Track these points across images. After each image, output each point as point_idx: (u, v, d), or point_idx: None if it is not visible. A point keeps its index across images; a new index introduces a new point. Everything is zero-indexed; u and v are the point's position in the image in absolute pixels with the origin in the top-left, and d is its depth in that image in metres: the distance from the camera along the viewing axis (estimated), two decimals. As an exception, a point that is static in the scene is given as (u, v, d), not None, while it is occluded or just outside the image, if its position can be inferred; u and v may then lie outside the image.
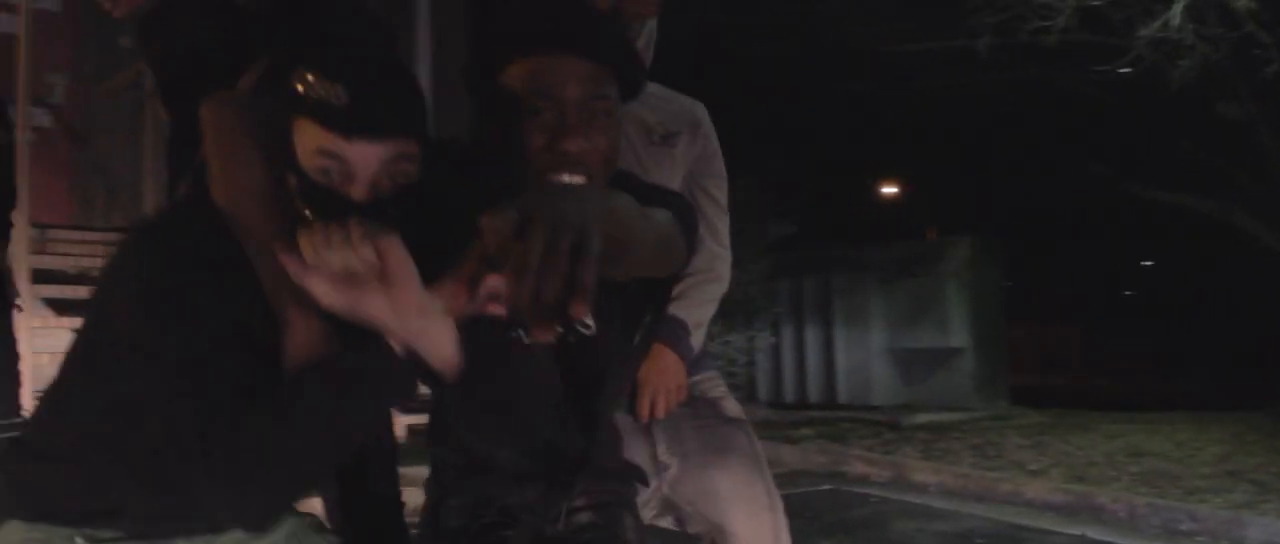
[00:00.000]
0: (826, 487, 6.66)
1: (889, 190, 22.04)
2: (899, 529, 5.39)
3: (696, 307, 2.25)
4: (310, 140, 1.28)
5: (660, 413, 2.15)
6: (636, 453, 2.09)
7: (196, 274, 1.28)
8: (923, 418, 8.88)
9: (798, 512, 5.67)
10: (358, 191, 1.29)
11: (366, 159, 1.28)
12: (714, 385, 2.36)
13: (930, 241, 11.18)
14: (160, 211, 1.50)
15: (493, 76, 1.40)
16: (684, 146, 2.26)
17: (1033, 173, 14.11)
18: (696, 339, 2.26)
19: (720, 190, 2.34)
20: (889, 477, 6.86)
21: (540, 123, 1.34)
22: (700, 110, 2.33)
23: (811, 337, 10.88)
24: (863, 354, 10.52)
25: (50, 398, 1.46)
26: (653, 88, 2.23)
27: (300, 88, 1.29)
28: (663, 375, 2.15)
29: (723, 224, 2.34)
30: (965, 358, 10.17)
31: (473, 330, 1.27)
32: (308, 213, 1.28)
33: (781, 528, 2.19)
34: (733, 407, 2.33)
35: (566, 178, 1.33)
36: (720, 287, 2.31)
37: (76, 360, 1.41)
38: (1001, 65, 8.60)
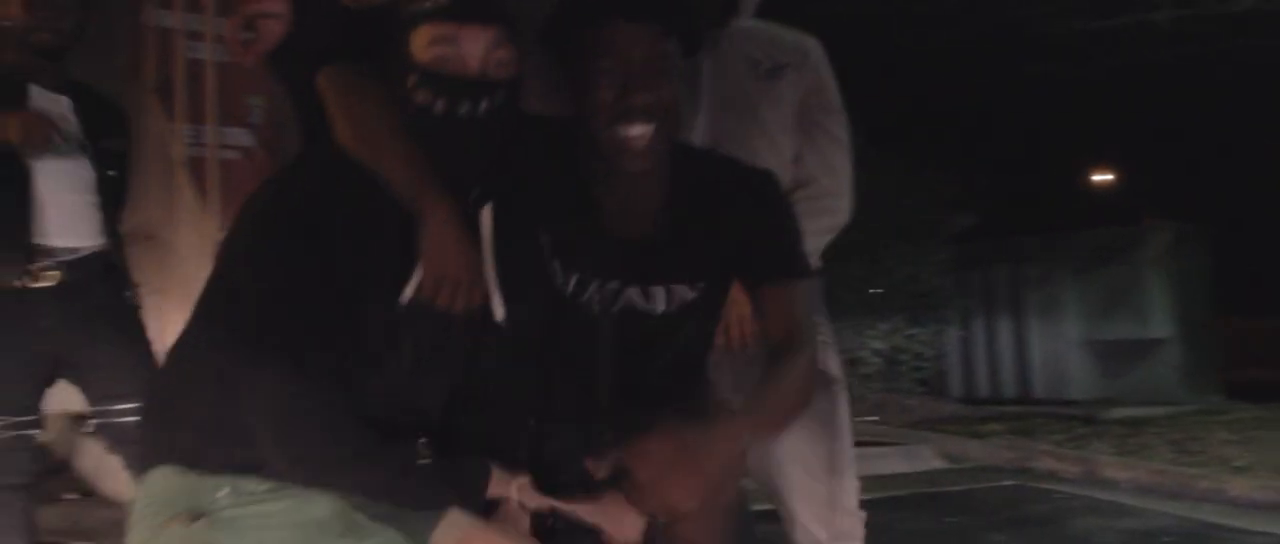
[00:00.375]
0: (1009, 482, 6.41)
1: (1102, 178, 20.99)
2: (1080, 526, 5.12)
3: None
4: (425, 37, 1.49)
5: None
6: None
7: (307, 224, 1.44)
8: (1120, 412, 8.43)
9: (974, 507, 5.59)
10: (470, 74, 1.49)
11: (476, 41, 1.49)
12: None
13: (1127, 229, 10.59)
14: (277, 172, 1.65)
15: (571, 38, 1.61)
16: (792, 79, 2.19)
17: (1265, 155, 13.17)
18: None
19: (837, 125, 2.24)
20: (1078, 473, 6.55)
21: (609, 79, 1.56)
22: (810, 43, 2.26)
23: (1003, 329, 10.52)
24: (1057, 346, 10.12)
25: (184, 345, 1.55)
26: (760, 25, 2.24)
27: (411, 9, 1.51)
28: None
29: (840, 159, 2.23)
30: (1168, 349, 9.69)
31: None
32: (436, 103, 1.48)
33: (842, 494, 2.07)
34: (826, 361, 2.11)
35: (635, 128, 1.55)
36: (832, 222, 2.19)
37: (203, 309, 1.52)
38: (1188, 38, 8.03)
